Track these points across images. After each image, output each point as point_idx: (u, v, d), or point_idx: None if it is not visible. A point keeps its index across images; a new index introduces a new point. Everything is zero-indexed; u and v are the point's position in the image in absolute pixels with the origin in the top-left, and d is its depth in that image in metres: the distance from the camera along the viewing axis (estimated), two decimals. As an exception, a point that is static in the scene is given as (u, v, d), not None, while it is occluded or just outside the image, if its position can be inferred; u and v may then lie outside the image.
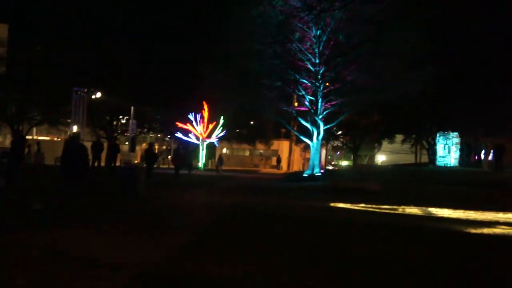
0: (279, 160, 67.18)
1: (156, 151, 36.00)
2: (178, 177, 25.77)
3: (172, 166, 40.97)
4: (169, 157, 66.43)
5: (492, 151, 32.33)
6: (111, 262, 6.99)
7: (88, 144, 27.50)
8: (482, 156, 34.52)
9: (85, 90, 33.30)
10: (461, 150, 36.21)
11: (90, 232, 9.46)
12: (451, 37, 38.57)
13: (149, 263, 6.96)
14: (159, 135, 63.35)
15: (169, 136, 60.42)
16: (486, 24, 37.84)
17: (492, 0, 39.19)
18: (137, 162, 48.66)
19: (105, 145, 32.84)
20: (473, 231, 10.70)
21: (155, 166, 29.59)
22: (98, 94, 35.65)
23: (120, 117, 48.92)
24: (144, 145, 69.34)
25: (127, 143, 42.88)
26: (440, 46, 36.62)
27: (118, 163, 31.01)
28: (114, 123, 49.06)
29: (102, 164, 29.22)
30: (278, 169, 63.61)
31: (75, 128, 32.19)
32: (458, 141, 36.31)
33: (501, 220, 12.86)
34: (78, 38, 38.51)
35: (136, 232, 9.61)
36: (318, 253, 8.02)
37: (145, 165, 26.43)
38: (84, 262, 6.97)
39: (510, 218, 13.18)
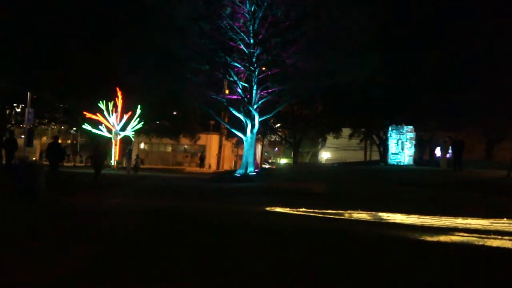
0: (202, 158, 67.10)
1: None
2: (97, 179, 25.22)
3: (79, 164, 40.19)
4: (79, 154, 65.27)
5: (450, 147, 33.27)
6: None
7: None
8: (439, 153, 35.46)
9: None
10: (415, 146, 37.08)
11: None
12: (405, 19, 39.35)
13: (41, 284, 6.70)
14: (62, 127, 61.90)
15: (74, 128, 59.15)
16: (445, 6, 38.88)
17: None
18: (35, 159, 47.40)
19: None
20: (429, 238, 10.89)
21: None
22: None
23: (15, 105, 47.47)
24: (44, 139, 67.83)
25: (23, 136, 41.65)
26: (393, 29, 37.37)
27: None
28: (7, 112, 47.58)
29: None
30: (201, 167, 63.55)
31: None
32: (413, 136, 37.16)
33: (460, 226, 13.17)
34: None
35: (28, 245, 9.26)
36: (247, 269, 7.95)
37: (48, 162, 25.84)
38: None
39: (469, 224, 13.52)
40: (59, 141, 29.65)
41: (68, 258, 8.35)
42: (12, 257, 8.29)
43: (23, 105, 41.56)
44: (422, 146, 38.45)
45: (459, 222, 13.93)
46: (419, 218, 14.72)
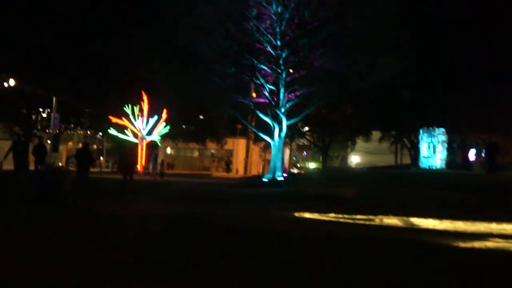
0: (228, 163, 67.07)
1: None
2: (125, 185, 25.42)
3: (105, 170, 40.25)
4: (101, 158, 65.76)
5: (484, 150, 32.78)
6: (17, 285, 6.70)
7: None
8: (473, 156, 34.95)
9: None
10: (448, 149, 36.62)
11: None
12: (435, 17, 39.05)
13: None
14: (88, 132, 62.36)
15: (100, 133, 59.55)
16: (475, 3, 38.56)
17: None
18: (61, 165, 47.80)
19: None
20: (462, 245, 10.72)
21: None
22: (11, 82, 34.82)
23: (40, 110, 47.92)
24: (70, 144, 68.43)
25: (48, 141, 42.06)
26: (423, 27, 37.07)
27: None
28: (33, 117, 48.06)
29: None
30: (228, 172, 63.61)
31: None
32: (445, 139, 36.72)
33: (495, 231, 12.94)
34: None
35: (48, 250, 9.28)
36: (276, 279, 7.83)
37: (76, 168, 26.23)
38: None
39: (505, 230, 13.28)
40: (92, 146, 30.06)
41: (80, 265, 8.31)
42: (24, 261, 8.30)
43: (49, 110, 41.92)
44: (455, 149, 37.87)
45: (494, 227, 13.69)
46: (452, 223, 14.51)
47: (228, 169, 66.03)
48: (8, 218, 13.44)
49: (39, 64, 39.04)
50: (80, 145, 65.13)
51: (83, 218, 14.47)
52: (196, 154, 74.69)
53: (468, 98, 40.14)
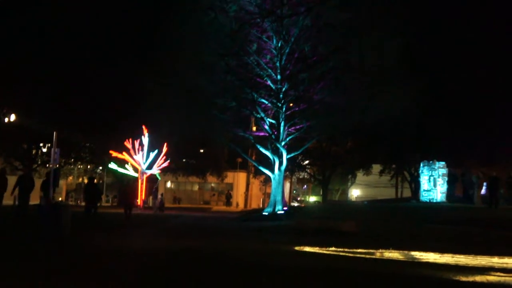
0: (228, 196, 67.02)
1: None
2: (128, 219, 25.61)
3: (105, 204, 40.14)
4: (105, 194, 65.72)
5: (485, 184, 32.83)
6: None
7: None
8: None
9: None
10: (448, 182, 36.62)
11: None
12: (435, 52, 39.30)
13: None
14: (88, 166, 62.38)
15: (100, 168, 59.54)
16: (476, 38, 38.84)
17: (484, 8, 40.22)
18: (61, 199, 47.77)
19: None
20: (464, 279, 10.72)
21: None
22: (12, 117, 34.98)
23: (41, 144, 48.03)
24: (70, 179, 68.39)
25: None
26: (423, 63, 37.35)
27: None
28: (33, 152, 48.15)
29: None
30: (228, 206, 63.56)
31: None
32: (445, 172, 36.76)
33: (496, 265, 12.94)
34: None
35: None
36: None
37: (84, 203, 26.54)
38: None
39: (507, 264, 13.28)
40: (95, 181, 30.40)
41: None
42: None
43: (49, 145, 42.00)
44: (454, 182, 37.84)
45: (495, 261, 13.69)
46: (453, 257, 14.51)
47: (228, 202, 65.94)
48: (6, 255, 13.39)
49: (40, 99, 39.24)
50: (80, 179, 65.38)
51: (83, 254, 14.43)
52: (196, 187, 74.59)
53: (469, 132, 40.22)
